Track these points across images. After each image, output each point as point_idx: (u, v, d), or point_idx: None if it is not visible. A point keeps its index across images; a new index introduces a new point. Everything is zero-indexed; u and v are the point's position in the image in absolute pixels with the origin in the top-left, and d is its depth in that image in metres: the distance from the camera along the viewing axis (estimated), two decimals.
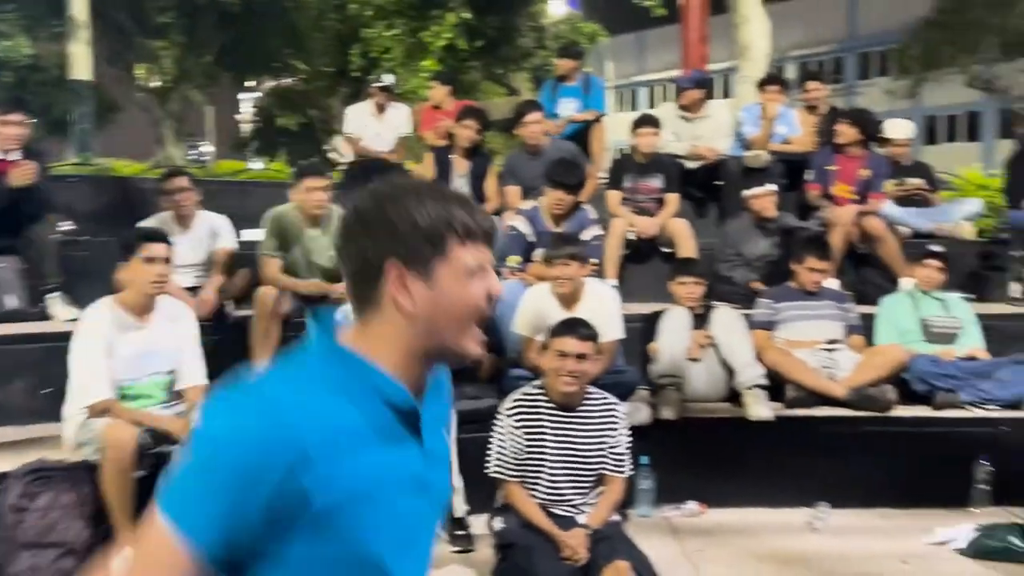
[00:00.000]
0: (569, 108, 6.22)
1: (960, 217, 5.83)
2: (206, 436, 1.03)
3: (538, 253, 4.57)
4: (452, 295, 1.11)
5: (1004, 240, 5.63)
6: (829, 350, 4.35)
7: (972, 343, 4.50)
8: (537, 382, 3.31)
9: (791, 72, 24.11)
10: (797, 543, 3.65)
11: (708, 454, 3.98)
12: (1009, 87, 25.27)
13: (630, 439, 3.22)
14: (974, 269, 5.65)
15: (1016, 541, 3.45)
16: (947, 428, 4.01)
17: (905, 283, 4.91)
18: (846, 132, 5.48)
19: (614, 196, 5.47)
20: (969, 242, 5.84)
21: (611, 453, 3.15)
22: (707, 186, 6.09)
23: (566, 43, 8.70)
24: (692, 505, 3.96)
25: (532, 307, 4.05)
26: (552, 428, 3.15)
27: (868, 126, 5.62)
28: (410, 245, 1.10)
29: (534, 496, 3.13)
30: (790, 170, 5.88)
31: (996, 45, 23.90)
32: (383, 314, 1.11)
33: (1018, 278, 5.30)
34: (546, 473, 3.15)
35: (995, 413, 4.04)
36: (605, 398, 3.22)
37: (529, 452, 3.14)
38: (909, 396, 4.18)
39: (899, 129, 6.21)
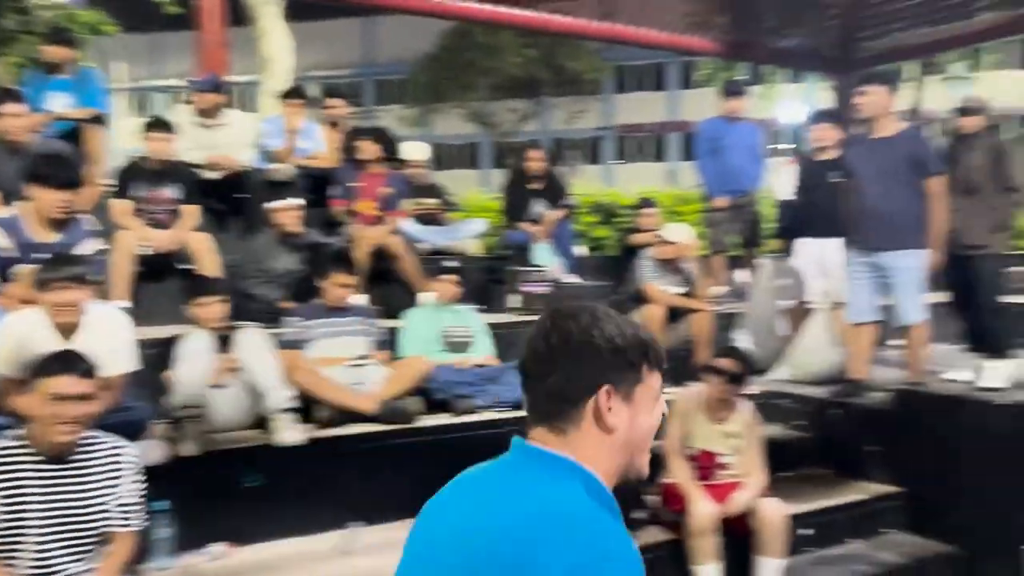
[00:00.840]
0: (60, 103, 5.36)
1: (468, 235, 6.36)
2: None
3: (20, 269, 3.79)
4: (644, 417, 1.27)
5: (504, 256, 6.30)
6: (358, 366, 4.34)
7: (484, 350, 4.88)
8: (17, 431, 2.69)
9: (313, 91, 24.62)
10: (331, 569, 3.53)
11: (236, 488, 3.66)
12: (501, 123, 29.10)
13: (142, 485, 2.78)
14: (481, 282, 6.20)
15: None
16: (467, 433, 4.24)
17: (425, 297, 5.16)
18: (368, 149, 5.60)
19: (121, 205, 4.84)
20: (476, 258, 6.40)
21: (115, 506, 2.68)
22: (229, 199, 5.74)
23: (57, 28, 7.55)
24: (218, 547, 3.60)
25: (14, 338, 3.31)
26: (38, 485, 2.58)
27: (388, 144, 5.83)
28: (621, 371, 1.24)
29: (15, 570, 2.52)
30: (315, 185, 5.83)
31: (488, 85, 27.39)
32: (583, 430, 1.24)
33: (515, 290, 5.93)
34: (32, 541, 2.57)
35: (504, 414, 4.39)
36: (107, 442, 2.74)
37: (9, 518, 2.53)
38: (432, 405, 4.36)
39: (416, 151, 6.58)
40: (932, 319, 4.99)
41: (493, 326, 5.15)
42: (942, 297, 5.30)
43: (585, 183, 12.59)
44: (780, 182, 6.17)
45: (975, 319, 5.00)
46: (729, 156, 6.23)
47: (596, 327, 1.25)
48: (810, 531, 4.13)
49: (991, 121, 4.99)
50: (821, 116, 5.91)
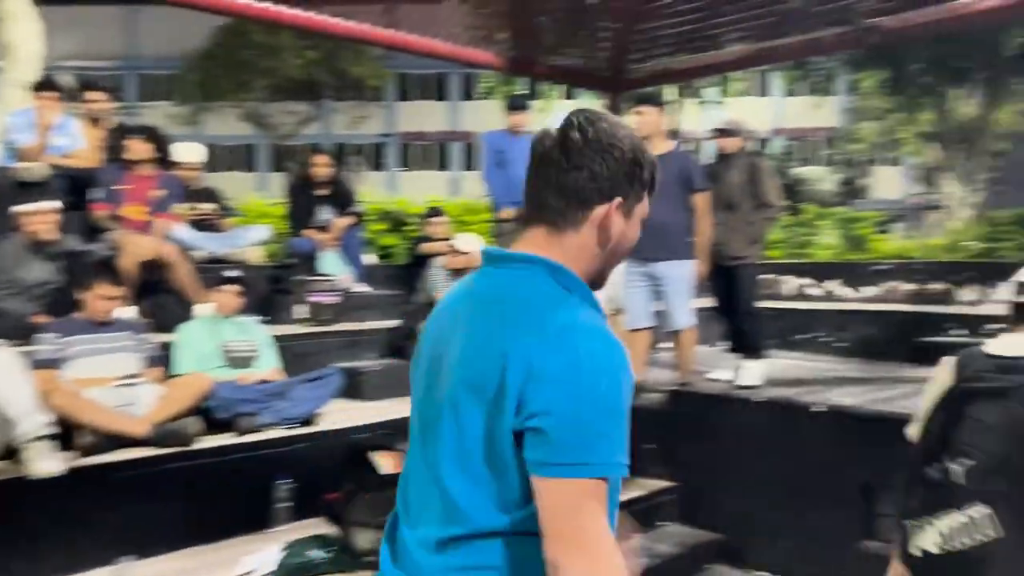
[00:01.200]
0: None
1: (250, 242, 6.05)
2: (607, 379, 1.17)
3: None
4: (632, 235, 1.34)
5: (289, 265, 6.05)
6: (127, 385, 3.97)
7: (269, 365, 4.65)
8: None
9: (68, 83, 22.44)
10: None
11: None
12: (279, 125, 28.07)
13: None
14: (264, 292, 5.92)
15: (317, 554, 3.61)
16: (250, 452, 4.01)
17: (202, 309, 4.83)
18: (137, 148, 5.17)
19: None
20: (259, 266, 6.10)
21: None
22: None
23: None
24: None
25: None
26: None
27: (159, 144, 5.41)
28: (632, 185, 1.29)
29: None
30: (74, 187, 5.30)
31: (266, 86, 26.34)
32: (581, 235, 1.28)
33: (302, 300, 5.72)
34: None
35: (292, 431, 4.20)
36: None
37: None
38: (213, 425, 4.09)
39: (190, 152, 6.16)
40: (699, 323, 5.41)
41: (278, 338, 4.93)
42: (708, 303, 5.73)
43: (369, 190, 12.46)
44: None
45: (734, 323, 5.46)
46: (514, 168, 6.39)
47: (623, 136, 1.29)
48: None
49: (748, 142, 5.44)
50: None
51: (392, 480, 3.32)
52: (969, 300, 7.52)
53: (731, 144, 5.29)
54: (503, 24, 7.86)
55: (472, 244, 5.53)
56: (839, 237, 10.23)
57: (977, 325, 6.38)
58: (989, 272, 7.71)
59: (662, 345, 6.76)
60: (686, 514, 4.79)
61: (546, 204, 1.29)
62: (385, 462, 3.38)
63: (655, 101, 5.04)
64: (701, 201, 4.97)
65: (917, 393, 4.85)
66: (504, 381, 1.17)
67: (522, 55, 8.28)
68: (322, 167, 6.35)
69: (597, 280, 1.35)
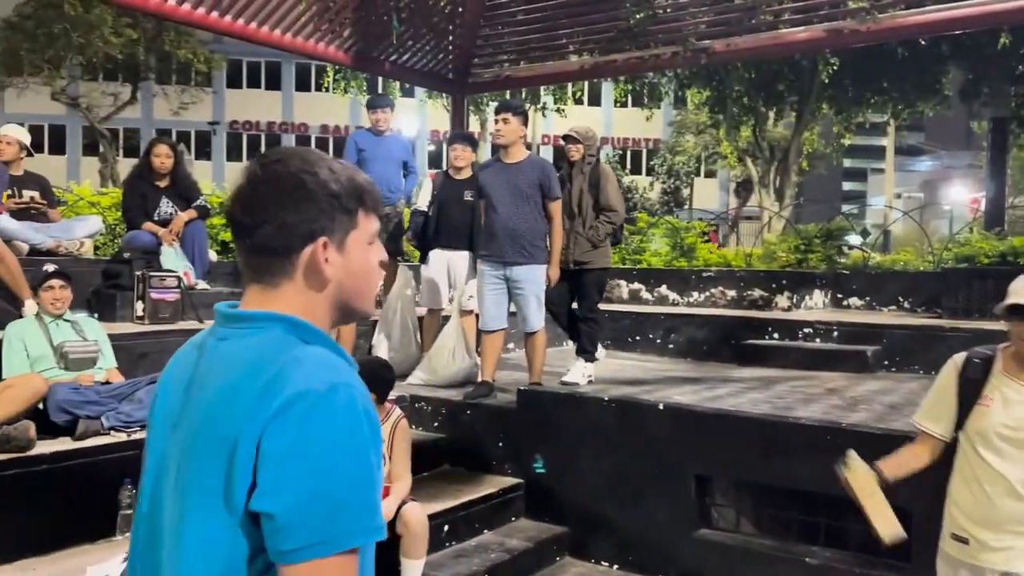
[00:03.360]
0: None
1: (82, 235, 5.67)
2: (343, 445, 1.06)
3: None
4: (360, 262, 1.22)
5: (127, 259, 5.72)
6: None
7: (108, 365, 4.40)
8: None
9: None
10: None
11: None
12: (95, 106, 26.12)
13: None
14: (98, 288, 5.57)
15: None
16: (92, 458, 3.79)
17: (30, 306, 4.50)
18: None
19: None
20: (91, 260, 5.73)
21: None
22: None
23: None
24: None
25: None
26: None
27: None
28: (335, 217, 1.18)
29: None
30: None
31: (82, 64, 24.46)
32: (296, 282, 1.18)
33: (141, 297, 5.43)
34: None
35: (138, 435, 4.00)
36: None
37: None
38: (50, 429, 3.82)
39: (11, 133, 5.69)
40: (552, 325, 5.62)
41: (115, 337, 4.67)
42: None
43: (198, 181, 11.85)
44: (419, 193, 6.44)
45: (576, 325, 5.68)
46: (374, 167, 6.35)
47: (309, 171, 1.17)
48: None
49: (591, 149, 5.67)
50: (457, 137, 6.30)
51: None
52: (784, 307, 8.24)
53: (576, 151, 5.50)
54: (347, 19, 7.79)
55: None
56: (668, 245, 10.87)
57: (792, 329, 7.03)
58: (800, 281, 8.48)
59: (513, 346, 6.97)
60: (535, 509, 4.97)
61: (250, 264, 1.20)
62: None
63: (519, 110, 5.18)
64: (555, 208, 5.17)
65: (743, 391, 5.32)
66: (231, 471, 1.06)
67: (367, 51, 8.24)
68: (163, 158, 6.04)
69: (344, 318, 1.26)
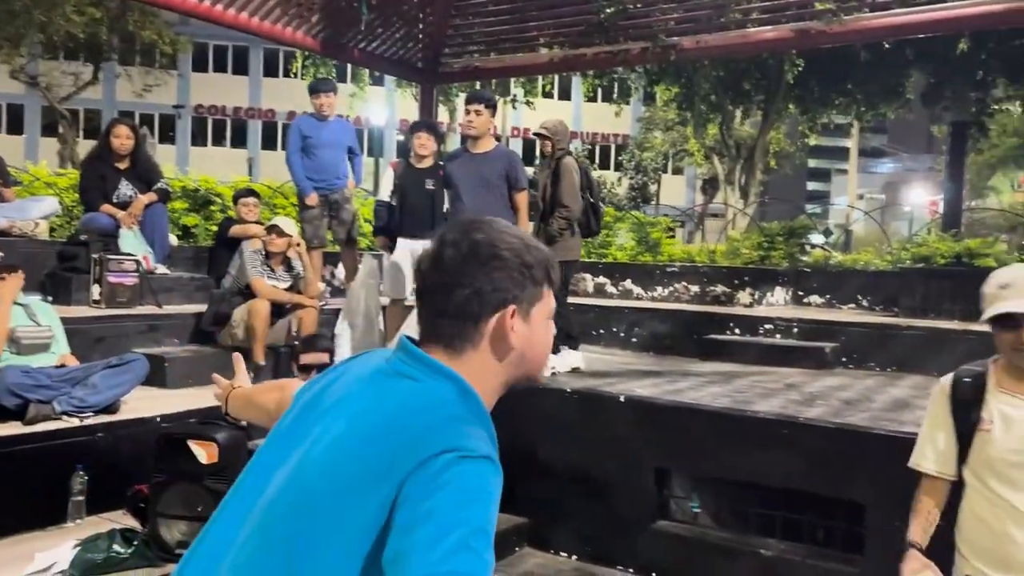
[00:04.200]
0: None
1: (38, 215, 5.55)
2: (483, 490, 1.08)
3: None
4: (541, 334, 1.27)
5: (83, 242, 5.61)
6: None
7: (61, 350, 4.32)
8: None
9: None
10: None
11: None
12: (55, 86, 25.56)
13: None
14: (54, 270, 5.45)
15: (118, 548, 3.42)
16: (42, 443, 3.71)
17: None
18: None
19: None
20: (47, 242, 5.61)
21: None
22: None
23: None
24: None
25: None
26: None
27: None
28: (525, 287, 1.23)
29: None
30: None
31: (42, 42, 23.90)
32: (480, 350, 1.22)
33: (98, 280, 5.33)
34: None
35: (91, 420, 3.93)
36: None
37: None
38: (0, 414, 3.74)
39: None
40: None
41: (70, 321, 4.59)
42: None
43: (160, 165, 11.68)
44: (381, 183, 6.39)
45: None
46: (320, 153, 6.28)
47: (505, 241, 1.22)
48: None
49: (562, 144, 5.66)
50: (422, 126, 6.26)
51: (208, 470, 3.23)
52: (745, 303, 8.33)
53: (546, 146, 5.50)
54: (317, 4, 7.70)
55: (287, 227, 5.40)
56: (634, 240, 10.93)
57: (753, 325, 7.11)
58: (762, 277, 8.58)
59: None
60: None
61: (437, 326, 1.24)
62: (203, 452, 3.25)
63: (491, 102, 5.17)
64: (522, 199, 5.17)
65: (704, 385, 5.38)
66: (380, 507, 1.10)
67: (335, 37, 8.16)
68: (123, 139, 5.92)
69: (518, 383, 1.30)
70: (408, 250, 6.02)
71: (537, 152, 5.59)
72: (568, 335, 5.53)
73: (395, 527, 1.07)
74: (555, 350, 5.55)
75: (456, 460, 1.08)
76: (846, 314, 7.82)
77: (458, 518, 1.04)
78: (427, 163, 5.94)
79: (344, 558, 1.11)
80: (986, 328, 2.36)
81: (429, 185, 5.83)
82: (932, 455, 2.50)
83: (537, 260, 1.26)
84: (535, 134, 5.58)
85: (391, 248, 6.12)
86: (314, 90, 6.59)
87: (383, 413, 1.17)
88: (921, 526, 2.47)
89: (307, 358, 3.84)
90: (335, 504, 1.12)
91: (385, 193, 6.19)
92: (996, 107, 17.79)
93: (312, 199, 6.40)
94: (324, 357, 3.87)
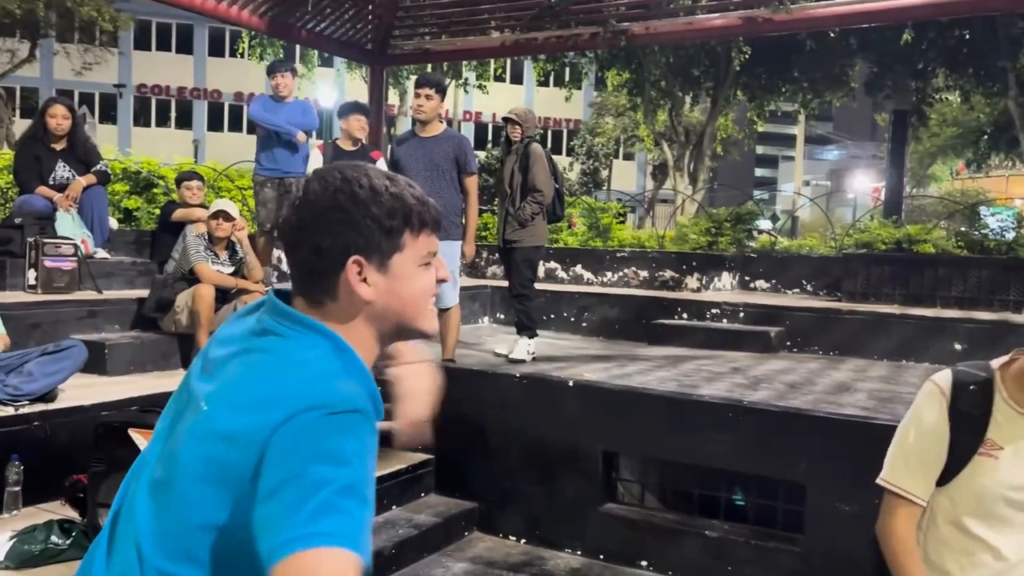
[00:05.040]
0: None
1: None
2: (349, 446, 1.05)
3: None
4: (406, 284, 1.21)
5: (18, 225, 5.43)
6: None
7: None
8: None
9: None
10: None
11: None
12: None
13: None
14: None
15: (56, 539, 3.34)
16: None
17: None
18: None
19: None
20: None
21: None
22: None
23: None
24: None
25: None
26: None
27: None
28: (370, 240, 1.17)
29: None
30: None
31: None
32: (339, 302, 1.19)
33: (33, 265, 5.17)
34: None
35: (26, 409, 3.82)
36: None
37: None
38: None
39: None
40: (466, 302, 5.60)
41: (4, 307, 4.45)
42: (473, 282, 5.94)
43: (101, 146, 11.37)
44: (308, 165, 6.30)
45: (511, 302, 5.68)
46: (276, 136, 6.18)
47: (345, 190, 1.17)
48: None
49: (530, 131, 5.62)
50: (357, 108, 6.18)
51: None
52: (693, 288, 8.44)
53: (515, 132, 5.47)
54: None
55: (232, 211, 5.29)
56: (585, 225, 10.98)
57: (701, 310, 7.21)
58: (710, 263, 8.69)
59: None
60: (445, 486, 4.97)
61: (297, 280, 1.23)
62: (143, 440, 3.18)
63: (441, 86, 5.13)
64: (472, 183, 5.14)
65: (652, 369, 5.44)
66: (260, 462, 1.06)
67: (283, 17, 8.00)
68: (59, 119, 5.74)
69: (399, 337, 1.28)
70: None
71: (501, 137, 5.54)
72: (524, 325, 5.53)
73: (260, 492, 1.03)
74: (533, 334, 5.56)
75: (321, 418, 1.05)
76: (791, 299, 7.97)
77: (323, 477, 1.00)
78: (354, 147, 5.90)
79: (214, 522, 1.09)
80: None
81: None
82: (921, 474, 1.95)
83: (391, 208, 1.19)
84: (504, 119, 5.52)
85: None
86: (271, 70, 6.48)
87: (250, 376, 1.14)
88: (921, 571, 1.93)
89: None
90: (200, 474, 1.10)
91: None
92: (936, 97, 18.24)
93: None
94: None
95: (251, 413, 1.08)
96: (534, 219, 5.40)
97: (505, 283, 5.88)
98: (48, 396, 3.94)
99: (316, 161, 6.13)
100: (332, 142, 6.16)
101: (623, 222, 12.01)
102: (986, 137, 21.68)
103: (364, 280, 1.19)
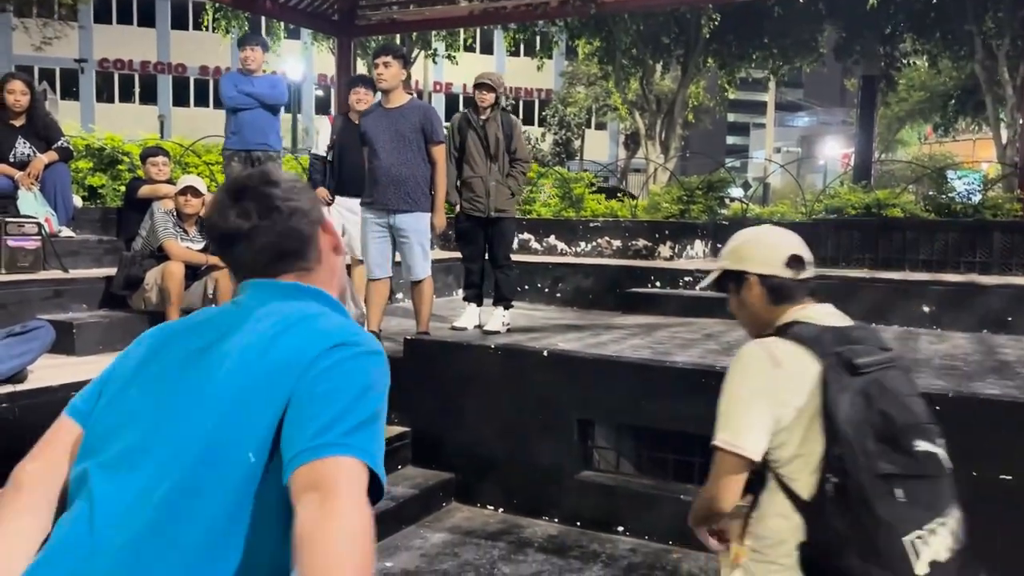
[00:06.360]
0: None
1: None
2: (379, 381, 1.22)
3: None
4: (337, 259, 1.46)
5: None
6: None
7: None
8: None
9: None
10: None
11: None
12: None
13: None
14: None
15: None
16: None
17: None
18: None
19: None
20: None
21: None
22: None
23: None
24: None
25: None
26: None
27: None
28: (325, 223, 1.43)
29: None
30: None
31: None
32: (316, 272, 1.39)
33: None
34: None
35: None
36: None
37: None
38: None
39: None
40: (440, 274, 5.58)
41: None
42: (447, 254, 5.91)
43: (63, 123, 11.13)
44: (319, 137, 6.23)
45: (493, 274, 5.66)
46: (249, 109, 6.08)
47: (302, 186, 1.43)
48: None
49: (501, 98, 5.57)
50: (361, 80, 6.10)
51: None
52: (666, 256, 8.47)
53: (488, 99, 5.39)
54: None
55: (201, 187, 5.21)
56: (558, 195, 10.95)
57: (674, 278, 7.24)
58: (682, 231, 8.72)
59: (400, 296, 6.90)
60: (422, 457, 4.99)
61: (265, 260, 1.37)
62: None
63: (399, 53, 5.05)
64: (439, 152, 5.09)
65: (625, 338, 5.46)
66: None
67: None
68: (17, 95, 5.60)
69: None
70: (345, 208, 5.90)
71: (480, 103, 5.39)
72: (503, 296, 5.53)
73: (292, 420, 1.14)
74: (509, 305, 5.56)
75: (356, 354, 1.21)
76: None
77: (361, 404, 1.16)
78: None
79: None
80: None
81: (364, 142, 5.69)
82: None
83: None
84: (480, 84, 5.38)
85: (328, 203, 5.99)
86: (240, 44, 6.37)
87: (276, 329, 1.25)
88: None
89: None
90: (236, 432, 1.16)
91: (322, 147, 6.06)
92: (904, 62, 18.33)
93: (235, 158, 6.24)
94: None
95: (288, 352, 1.20)
96: (522, 189, 5.38)
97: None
98: (16, 378, 3.88)
99: (325, 133, 6.05)
100: (343, 114, 6.08)
101: (599, 192, 11.93)
102: (953, 101, 21.86)
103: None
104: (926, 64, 19.41)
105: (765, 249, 1.95)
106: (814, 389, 1.71)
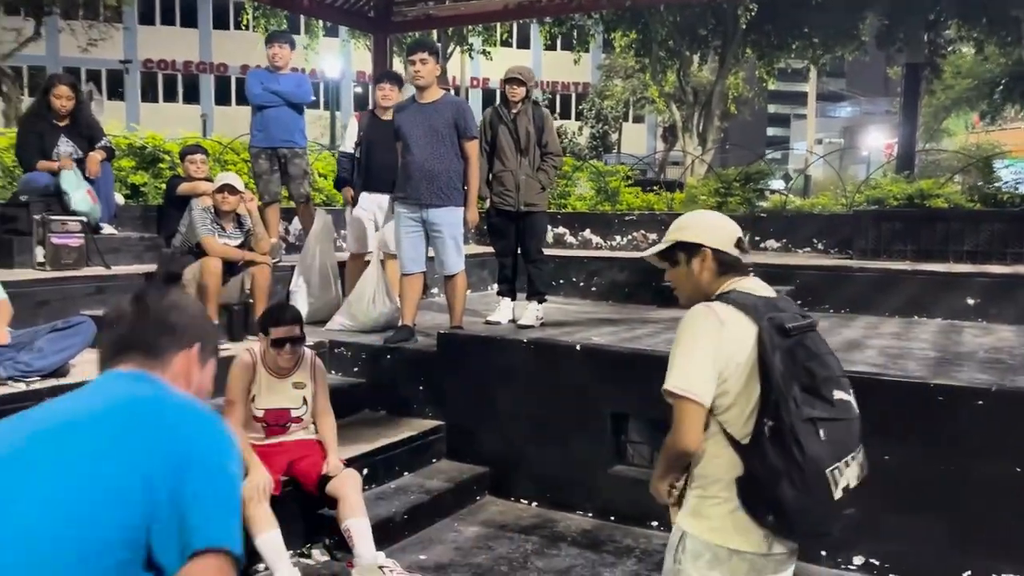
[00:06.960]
0: None
1: None
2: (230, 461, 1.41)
3: None
4: (207, 380, 1.65)
5: (23, 203, 5.45)
6: None
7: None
8: None
9: None
10: None
11: None
12: None
13: None
14: None
15: None
16: None
17: None
18: None
19: None
20: None
21: None
22: None
23: None
24: None
25: None
26: None
27: None
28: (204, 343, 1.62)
29: None
30: None
31: None
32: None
33: (41, 242, 5.20)
34: None
35: (37, 384, 3.86)
36: None
37: None
38: None
39: None
40: (474, 269, 5.59)
41: (13, 284, 4.48)
42: (481, 249, 5.92)
43: (108, 122, 11.37)
44: (346, 134, 6.29)
45: (526, 268, 5.67)
46: (275, 107, 6.14)
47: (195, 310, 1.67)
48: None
49: (532, 91, 5.55)
50: (385, 76, 6.14)
51: None
52: None
53: (519, 93, 5.39)
54: None
55: (237, 184, 5.27)
56: (593, 189, 10.90)
57: None
58: None
59: (435, 291, 6.93)
60: (455, 451, 5.01)
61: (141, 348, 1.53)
62: None
63: (433, 48, 5.07)
64: (472, 148, 5.10)
65: (660, 331, 5.42)
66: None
67: None
68: (64, 100, 5.73)
69: None
70: (374, 205, 5.95)
71: (510, 97, 5.39)
72: (537, 290, 5.56)
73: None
74: (543, 299, 5.59)
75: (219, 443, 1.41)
76: (801, 258, 7.92)
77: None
78: (392, 115, 5.83)
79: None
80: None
81: (397, 138, 5.72)
82: None
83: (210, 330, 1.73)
84: (509, 78, 5.37)
85: (355, 200, 6.04)
86: (268, 41, 6.41)
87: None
88: None
89: (278, 332, 3.73)
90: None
91: (349, 144, 6.10)
92: (949, 49, 17.90)
93: (262, 155, 6.29)
94: (295, 329, 3.77)
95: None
96: (553, 182, 5.38)
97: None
98: (59, 372, 3.98)
99: (352, 130, 6.11)
100: (369, 111, 6.13)
101: (636, 185, 11.83)
102: (1000, 88, 21.30)
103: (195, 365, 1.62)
104: (972, 51, 18.92)
105: (717, 229, 2.23)
106: (752, 347, 2.00)
